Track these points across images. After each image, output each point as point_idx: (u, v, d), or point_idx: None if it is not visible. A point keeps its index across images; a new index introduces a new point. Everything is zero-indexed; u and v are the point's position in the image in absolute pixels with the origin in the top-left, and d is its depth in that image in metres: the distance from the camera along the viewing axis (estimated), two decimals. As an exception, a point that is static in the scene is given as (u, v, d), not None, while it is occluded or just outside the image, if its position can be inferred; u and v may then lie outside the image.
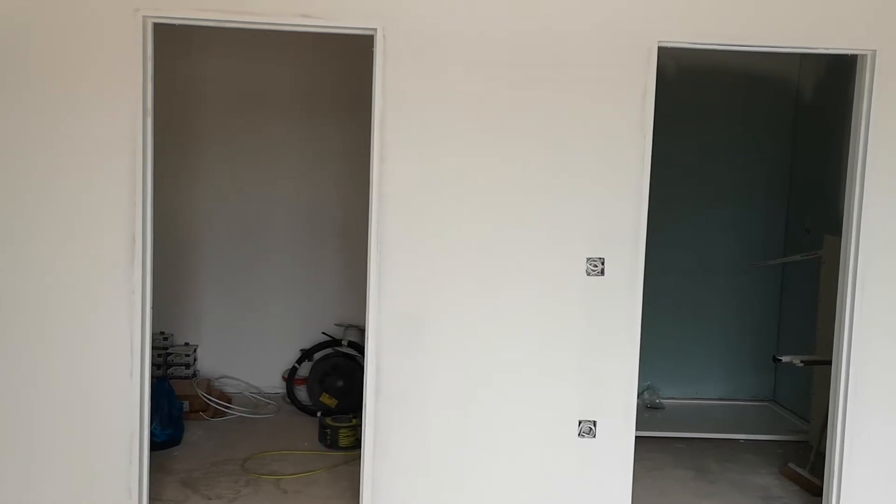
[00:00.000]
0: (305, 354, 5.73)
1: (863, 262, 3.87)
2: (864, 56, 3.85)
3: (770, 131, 6.05)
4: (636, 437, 3.94)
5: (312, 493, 4.26)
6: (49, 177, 3.60)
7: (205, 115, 5.79)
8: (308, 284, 5.93)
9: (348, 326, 5.74)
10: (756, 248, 6.07)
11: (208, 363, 5.90)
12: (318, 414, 5.29)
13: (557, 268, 3.82)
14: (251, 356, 5.91)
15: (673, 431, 5.34)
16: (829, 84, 5.63)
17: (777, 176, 6.08)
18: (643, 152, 3.78)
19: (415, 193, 3.75)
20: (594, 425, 3.89)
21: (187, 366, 5.70)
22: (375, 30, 3.65)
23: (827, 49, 3.87)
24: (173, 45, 5.16)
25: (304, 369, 5.69)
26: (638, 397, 3.96)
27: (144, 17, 3.57)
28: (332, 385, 5.51)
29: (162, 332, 5.71)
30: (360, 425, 3.94)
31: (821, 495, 4.14)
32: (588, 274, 3.82)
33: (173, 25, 3.67)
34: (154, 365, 4.79)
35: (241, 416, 5.41)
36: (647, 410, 5.80)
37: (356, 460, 4.12)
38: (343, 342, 5.69)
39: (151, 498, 3.90)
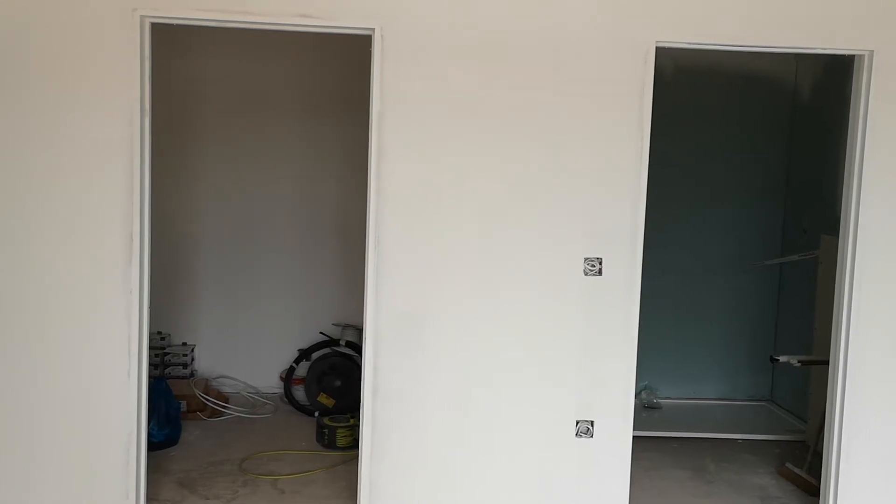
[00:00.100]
0: (303, 354, 5.73)
1: (860, 262, 3.88)
2: (861, 56, 3.86)
3: (767, 131, 6.06)
4: (634, 436, 3.94)
5: (310, 493, 4.26)
6: (48, 177, 3.60)
7: (204, 115, 5.78)
8: (306, 284, 5.93)
9: (346, 326, 5.74)
10: (753, 249, 6.08)
11: (206, 363, 5.89)
12: (316, 414, 5.29)
13: (555, 268, 3.82)
14: (249, 356, 5.91)
15: (670, 431, 5.35)
16: (826, 84, 5.64)
17: (774, 176, 6.09)
18: (641, 152, 3.79)
19: (413, 193, 3.75)
20: (592, 425, 3.89)
21: (185, 366, 5.70)
22: (373, 30, 3.65)
23: (824, 49, 3.88)
24: (172, 44, 5.16)
25: (302, 369, 5.69)
26: (635, 397, 3.96)
27: (142, 17, 3.57)
28: (329, 385, 5.51)
29: (159, 332, 5.70)
30: (358, 425, 3.94)
31: (818, 495, 4.15)
32: (586, 274, 3.83)
33: (171, 25, 3.67)
34: (151, 365, 4.77)
35: (238, 415, 5.41)
36: (645, 410, 5.80)
37: (354, 460, 4.12)
38: (341, 342, 5.68)
39: (149, 498, 3.90)
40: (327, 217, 5.91)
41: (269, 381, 5.89)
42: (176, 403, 5.01)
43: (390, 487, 3.86)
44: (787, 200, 6.07)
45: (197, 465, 4.56)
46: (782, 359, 4.92)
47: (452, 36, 3.70)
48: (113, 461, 3.71)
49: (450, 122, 3.74)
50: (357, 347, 5.46)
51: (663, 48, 3.77)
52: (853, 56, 3.89)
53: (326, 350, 5.71)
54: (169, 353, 5.69)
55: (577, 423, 3.89)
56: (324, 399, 5.46)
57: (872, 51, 3.81)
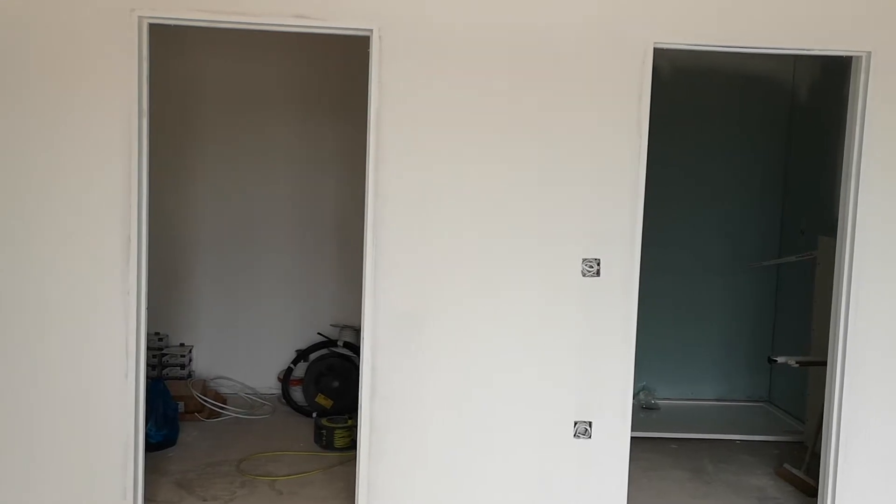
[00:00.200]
0: (301, 355, 5.73)
1: (858, 263, 3.88)
2: (858, 57, 3.86)
3: (765, 132, 6.07)
4: (632, 437, 3.94)
5: (308, 494, 4.25)
6: (48, 177, 3.59)
7: (203, 115, 5.78)
8: (304, 285, 5.93)
9: (344, 327, 5.74)
10: (751, 249, 6.08)
11: (204, 364, 5.89)
12: (314, 415, 5.29)
13: (553, 269, 3.82)
14: (247, 357, 5.90)
15: (668, 432, 5.35)
16: (824, 85, 5.65)
17: (772, 177, 6.09)
18: (639, 152, 3.79)
19: (411, 194, 3.75)
20: (590, 426, 3.89)
21: (183, 366, 5.69)
22: (371, 31, 3.65)
23: (822, 50, 3.88)
24: (171, 45, 5.17)
25: (300, 370, 5.69)
26: (633, 398, 3.96)
27: (140, 18, 3.57)
28: (327, 386, 5.51)
29: (157, 333, 5.69)
30: (356, 426, 3.93)
31: (816, 496, 4.15)
32: (584, 275, 3.83)
33: (170, 26, 3.67)
34: (149, 366, 4.77)
35: (236, 416, 5.41)
36: (643, 411, 5.80)
37: (352, 461, 4.12)
38: (339, 343, 5.68)
39: (146, 499, 3.89)
40: (326, 218, 5.91)
41: (267, 381, 5.89)
42: (174, 404, 5.00)
43: (388, 488, 3.86)
44: (785, 201, 6.08)
45: (195, 465, 4.55)
46: (780, 360, 4.93)
47: (451, 36, 3.70)
48: (111, 462, 3.71)
49: (448, 122, 3.74)
50: (355, 348, 5.46)
51: (661, 49, 3.78)
52: (851, 57, 3.90)
53: (324, 351, 5.71)
54: (167, 354, 5.69)
55: (576, 423, 3.89)
56: (322, 400, 5.46)
57: (870, 52, 3.81)
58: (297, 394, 5.65)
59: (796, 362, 4.84)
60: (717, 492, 4.52)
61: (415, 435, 3.85)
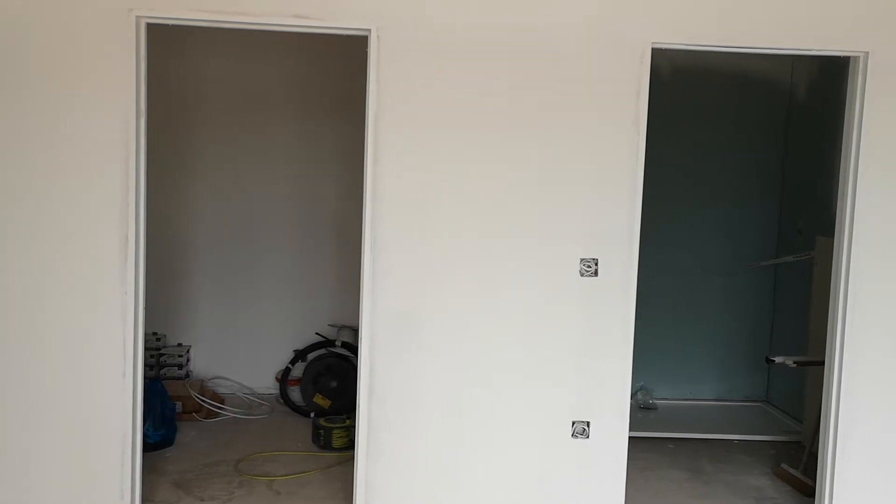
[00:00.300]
0: (299, 355, 5.73)
1: (855, 263, 3.88)
2: (856, 58, 3.86)
3: (763, 132, 6.07)
4: (630, 437, 3.94)
5: (306, 495, 4.25)
6: (47, 177, 3.59)
7: (203, 115, 5.78)
8: (302, 285, 5.92)
9: (342, 327, 5.74)
10: (749, 249, 6.09)
11: (201, 364, 5.89)
12: (312, 415, 5.29)
13: (551, 269, 3.82)
14: (244, 357, 5.90)
15: (666, 432, 5.35)
16: (822, 85, 5.65)
17: (770, 177, 6.10)
18: (637, 152, 3.79)
19: (410, 193, 3.75)
20: (588, 426, 3.89)
21: (180, 366, 5.69)
22: (369, 30, 3.65)
23: (820, 51, 3.88)
24: (171, 45, 5.17)
25: (298, 370, 5.68)
26: (631, 398, 3.96)
27: (138, 18, 3.57)
28: (325, 386, 5.50)
29: (155, 333, 5.69)
30: (354, 426, 3.93)
31: (814, 496, 4.15)
32: (582, 275, 3.83)
33: (168, 26, 3.67)
34: (147, 366, 4.75)
35: (234, 416, 5.40)
36: (641, 411, 5.80)
37: (350, 461, 4.11)
38: (337, 343, 5.68)
39: (144, 499, 3.89)
40: (324, 218, 5.91)
41: (264, 381, 5.89)
42: (171, 404, 5.00)
43: (386, 488, 3.86)
44: (783, 201, 6.08)
45: (192, 465, 4.55)
46: (778, 359, 4.93)
47: (450, 36, 3.70)
48: (108, 462, 3.71)
49: (446, 122, 3.73)
50: (353, 348, 5.46)
51: (659, 49, 3.78)
52: (848, 58, 3.90)
53: (322, 351, 5.71)
54: (164, 354, 5.69)
55: (574, 423, 3.89)
56: (320, 400, 5.46)
57: (867, 52, 3.81)
58: (295, 394, 5.65)
59: (794, 362, 4.85)
60: (715, 492, 4.52)
61: (413, 435, 3.85)
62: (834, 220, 4.02)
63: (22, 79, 3.54)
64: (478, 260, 3.81)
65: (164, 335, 5.80)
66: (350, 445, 4.51)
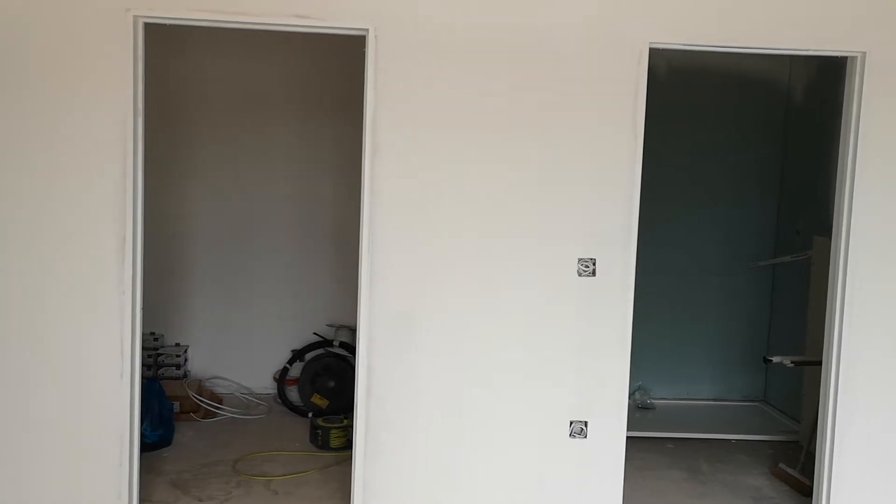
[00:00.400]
0: (297, 355, 5.72)
1: (853, 263, 3.89)
2: (853, 58, 3.86)
3: (761, 132, 6.08)
4: (628, 437, 3.95)
5: (303, 494, 4.25)
6: (46, 177, 3.58)
7: (202, 115, 5.78)
8: (299, 285, 5.92)
9: (340, 327, 5.74)
10: (747, 249, 6.09)
11: (199, 364, 5.88)
12: (310, 414, 5.28)
13: (551, 269, 3.82)
14: (242, 357, 5.90)
15: (664, 432, 5.36)
16: (820, 85, 5.66)
17: (768, 177, 6.10)
18: (634, 152, 3.79)
19: (410, 194, 3.75)
20: (585, 426, 3.89)
21: (178, 366, 5.68)
22: (367, 30, 3.65)
23: (817, 51, 3.88)
24: (170, 44, 5.17)
25: (296, 370, 5.68)
26: (629, 398, 3.96)
27: (135, 17, 3.56)
28: (323, 385, 5.50)
29: (152, 333, 5.69)
30: (352, 426, 3.93)
31: (811, 495, 4.16)
32: (580, 275, 3.83)
33: (167, 25, 3.66)
34: (144, 365, 4.77)
35: (232, 416, 5.40)
36: (639, 411, 5.81)
37: (347, 461, 4.11)
38: (334, 343, 5.68)
39: (141, 499, 3.88)
40: (323, 218, 5.90)
41: (262, 381, 5.89)
42: (169, 404, 4.99)
43: (384, 488, 3.86)
44: (781, 201, 6.09)
45: (190, 465, 4.55)
46: (775, 359, 4.93)
47: (448, 36, 3.69)
48: (106, 462, 3.70)
49: (444, 122, 3.73)
50: (351, 348, 5.46)
51: (659, 49, 3.78)
52: (846, 58, 3.90)
53: (320, 351, 5.70)
54: (162, 354, 5.68)
55: (571, 423, 3.89)
56: (317, 400, 5.46)
57: (865, 52, 3.82)
58: (293, 394, 5.64)
59: (792, 362, 4.85)
60: (712, 491, 4.52)
61: (411, 435, 3.85)
62: (832, 220, 4.02)
63: (22, 79, 3.54)
64: (477, 260, 3.81)
65: (162, 335, 5.79)
66: (348, 445, 4.51)
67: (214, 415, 5.38)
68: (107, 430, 3.69)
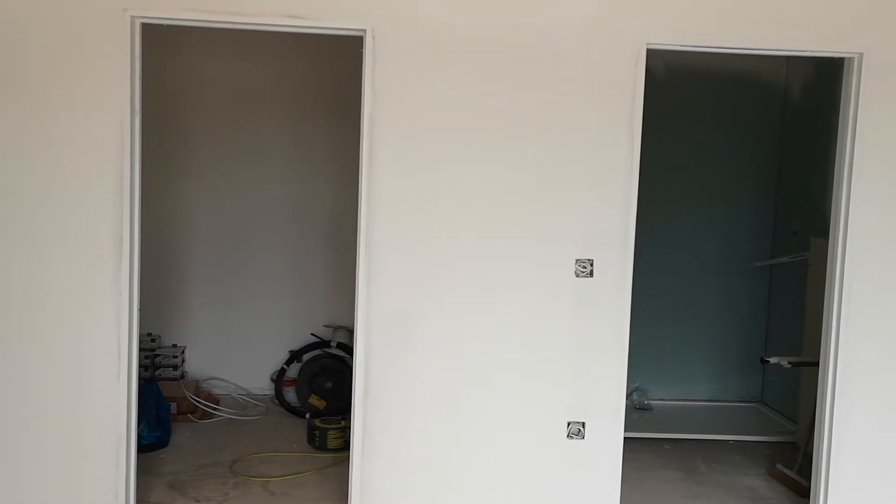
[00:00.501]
0: (294, 356, 5.72)
1: (849, 263, 3.89)
2: (850, 59, 3.87)
3: (759, 132, 6.08)
4: (625, 438, 3.95)
5: (301, 495, 4.25)
6: (45, 177, 3.57)
7: (198, 115, 5.77)
8: (297, 285, 5.92)
9: (337, 328, 5.73)
10: (744, 250, 6.10)
11: (196, 365, 5.87)
12: (307, 415, 5.28)
13: (547, 269, 3.82)
14: (239, 358, 5.89)
15: (661, 432, 5.36)
16: (817, 86, 5.66)
17: (765, 177, 6.11)
18: (632, 153, 3.79)
19: (408, 194, 3.74)
20: (583, 426, 3.89)
21: (175, 367, 5.67)
22: (364, 31, 3.65)
23: (814, 52, 3.89)
24: (166, 44, 5.16)
25: (293, 371, 5.67)
26: (626, 398, 3.96)
27: (132, 17, 3.56)
28: (320, 386, 5.50)
29: (149, 334, 5.68)
30: (349, 427, 3.93)
31: (808, 496, 4.16)
32: (577, 276, 3.83)
33: (164, 25, 3.66)
34: (141, 366, 4.76)
35: (229, 417, 5.39)
36: (636, 411, 5.81)
37: (345, 462, 4.11)
38: (332, 343, 5.67)
39: (138, 500, 3.87)
40: (320, 218, 5.90)
41: (259, 382, 5.88)
42: (166, 405, 4.99)
43: (381, 489, 3.85)
44: (778, 202, 6.09)
45: (187, 467, 4.54)
46: (773, 360, 4.94)
47: (445, 36, 3.69)
48: (102, 463, 3.69)
49: (443, 122, 3.73)
50: (348, 349, 5.46)
51: (654, 50, 3.78)
52: (843, 59, 3.91)
53: (318, 351, 5.70)
54: (159, 355, 5.67)
55: (569, 424, 3.89)
56: (315, 401, 5.45)
57: (862, 53, 3.82)
58: (291, 395, 5.64)
59: (789, 363, 4.86)
60: (709, 492, 4.52)
61: (408, 435, 3.85)
62: (829, 221, 4.03)
63: (22, 79, 3.53)
64: (475, 260, 3.81)
65: (159, 336, 5.79)
66: (345, 446, 4.51)
67: (212, 416, 5.37)
68: (104, 431, 3.68)
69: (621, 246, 3.82)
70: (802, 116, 5.85)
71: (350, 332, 5.12)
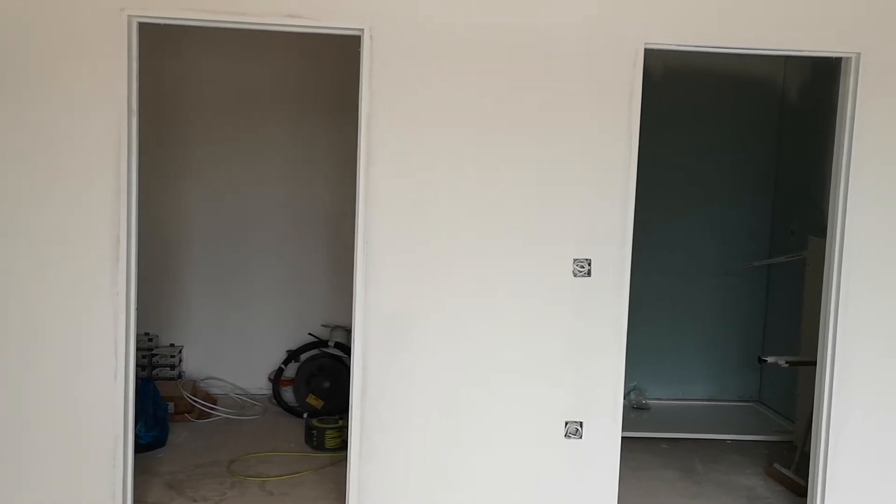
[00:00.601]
0: (292, 355, 5.72)
1: (847, 263, 3.89)
2: (848, 59, 3.87)
3: (756, 132, 6.09)
4: (622, 437, 3.95)
5: (298, 495, 4.25)
6: (44, 177, 3.57)
7: (197, 115, 5.76)
8: (294, 285, 5.91)
9: (335, 327, 5.73)
10: (742, 250, 6.10)
11: (194, 364, 5.87)
12: (305, 415, 5.28)
13: (546, 269, 3.82)
14: (237, 357, 5.89)
15: (659, 432, 5.36)
16: (815, 86, 5.67)
17: (763, 177, 6.11)
18: (630, 153, 3.79)
19: (407, 194, 3.74)
20: (581, 426, 3.89)
21: (172, 367, 5.67)
22: (362, 30, 3.65)
23: (812, 51, 3.89)
24: (165, 44, 5.15)
25: (291, 370, 5.67)
26: (624, 398, 3.97)
27: (130, 17, 3.55)
28: (318, 386, 5.49)
29: (147, 334, 5.67)
30: (347, 426, 3.93)
31: (806, 496, 4.16)
32: (575, 275, 3.83)
33: (161, 25, 3.65)
34: (139, 366, 4.75)
35: (226, 417, 5.39)
36: (634, 411, 5.81)
37: (343, 462, 4.11)
38: (330, 343, 5.67)
39: (136, 500, 3.87)
40: (318, 218, 5.90)
41: (257, 382, 5.88)
42: (163, 405, 4.98)
43: (379, 489, 3.85)
44: (776, 202, 6.10)
45: (184, 466, 4.54)
46: (770, 359, 4.94)
47: (444, 36, 3.69)
48: (100, 463, 3.69)
49: (442, 122, 3.73)
50: (346, 348, 5.45)
51: (652, 49, 3.78)
52: (840, 58, 3.91)
53: (315, 351, 5.70)
54: (157, 355, 5.67)
55: (567, 423, 3.89)
56: (312, 400, 5.45)
57: (859, 53, 3.82)
58: (288, 394, 5.63)
59: (786, 362, 4.86)
60: (706, 492, 4.53)
61: (406, 435, 3.85)
62: (826, 220, 4.03)
63: (21, 79, 3.53)
64: (474, 260, 3.81)
65: (157, 335, 5.78)
66: (343, 446, 4.50)
67: (209, 415, 5.37)
68: (101, 431, 3.68)
69: (619, 246, 3.82)
70: (800, 116, 5.86)
71: (348, 331, 5.11)
